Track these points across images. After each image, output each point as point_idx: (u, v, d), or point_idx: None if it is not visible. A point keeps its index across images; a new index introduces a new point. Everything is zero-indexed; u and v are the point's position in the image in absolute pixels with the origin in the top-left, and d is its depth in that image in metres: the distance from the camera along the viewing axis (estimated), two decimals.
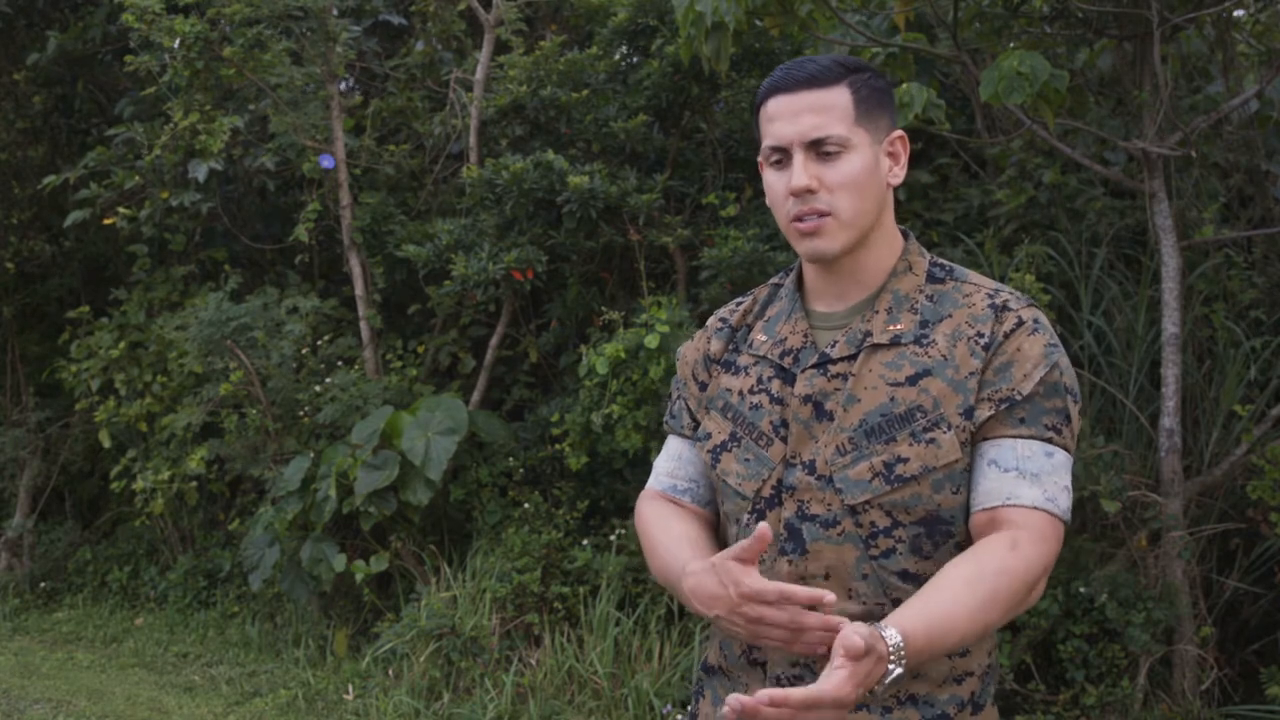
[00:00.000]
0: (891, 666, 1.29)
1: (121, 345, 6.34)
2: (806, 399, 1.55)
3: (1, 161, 7.22)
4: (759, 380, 1.61)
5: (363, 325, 5.78)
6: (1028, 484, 1.46)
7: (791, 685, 1.50)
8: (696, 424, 1.71)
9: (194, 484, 6.17)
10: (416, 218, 5.97)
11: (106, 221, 6.21)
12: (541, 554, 4.82)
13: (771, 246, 4.66)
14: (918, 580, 1.47)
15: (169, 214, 6.01)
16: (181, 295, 6.43)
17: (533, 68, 5.50)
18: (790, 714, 1.23)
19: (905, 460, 1.48)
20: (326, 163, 5.72)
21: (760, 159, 1.61)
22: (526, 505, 5.07)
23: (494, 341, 5.61)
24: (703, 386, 1.71)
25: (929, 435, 1.48)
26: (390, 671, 4.79)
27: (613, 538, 4.79)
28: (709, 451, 1.65)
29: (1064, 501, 1.47)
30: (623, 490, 5.07)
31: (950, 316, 1.54)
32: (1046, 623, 3.75)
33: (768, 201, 1.60)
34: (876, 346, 1.54)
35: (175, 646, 5.88)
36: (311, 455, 5.41)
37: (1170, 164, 4.14)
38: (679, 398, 1.76)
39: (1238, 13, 4.43)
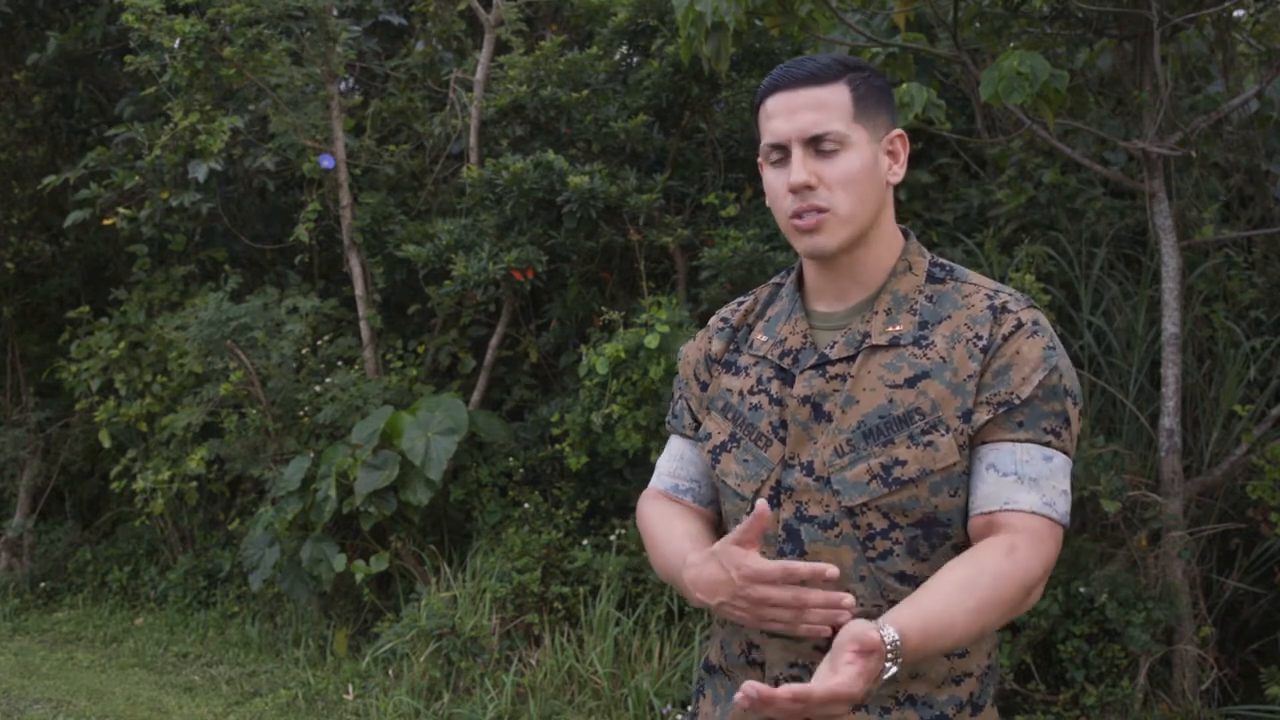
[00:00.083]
0: (888, 664, 1.29)
1: (121, 345, 6.34)
2: (805, 400, 1.55)
3: (1, 161, 7.22)
4: (759, 381, 1.61)
5: (363, 325, 5.78)
6: (1026, 489, 1.45)
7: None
8: (698, 424, 1.71)
9: (194, 484, 6.17)
10: (416, 218, 5.97)
11: (106, 221, 6.21)
12: (541, 554, 4.82)
13: (771, 246, 4.66)
14: (915, 582, 1.47)
15: (169, 214, 6.01)
16: (181, 295, 6.43)
17: (533, 68, 5.50)
18: (808, 709, 1.23)
19: (903, 463, 1.48)
20: (326, 163, 5.72)
21: (760, 158, 1.61)
22: (526, 505, 5.07)
23: (494, 341, 5.61)
24: (704, 386, 1.71)
25: (927, 438, 1.48)
26: (390, 671, 4.79)
27: (613, 538, 4.79)
28: (709, 452, 1.65)
29: (1062, 506, 1.47)
30: (623, 490, 5.07)
31: (949, 318, 1.54)
32: (1046, 623, 3.75)
33: (768, 201, 1.60)
34: (875, 348, 1.54)
35: (175, 646, 5.88)
36: (311, 455, 5.41)
37: (1170, 164, 4.14)
38: (680, 397, 1.76)
39: (1238, 13, 4.43)
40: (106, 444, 6.49)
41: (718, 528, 1.70)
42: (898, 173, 1.60)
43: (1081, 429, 3.46)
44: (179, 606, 6.33)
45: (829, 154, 1.52)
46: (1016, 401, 1.47)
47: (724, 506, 1.66)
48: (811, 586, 1.40)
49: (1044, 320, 1.53)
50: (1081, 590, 3.74)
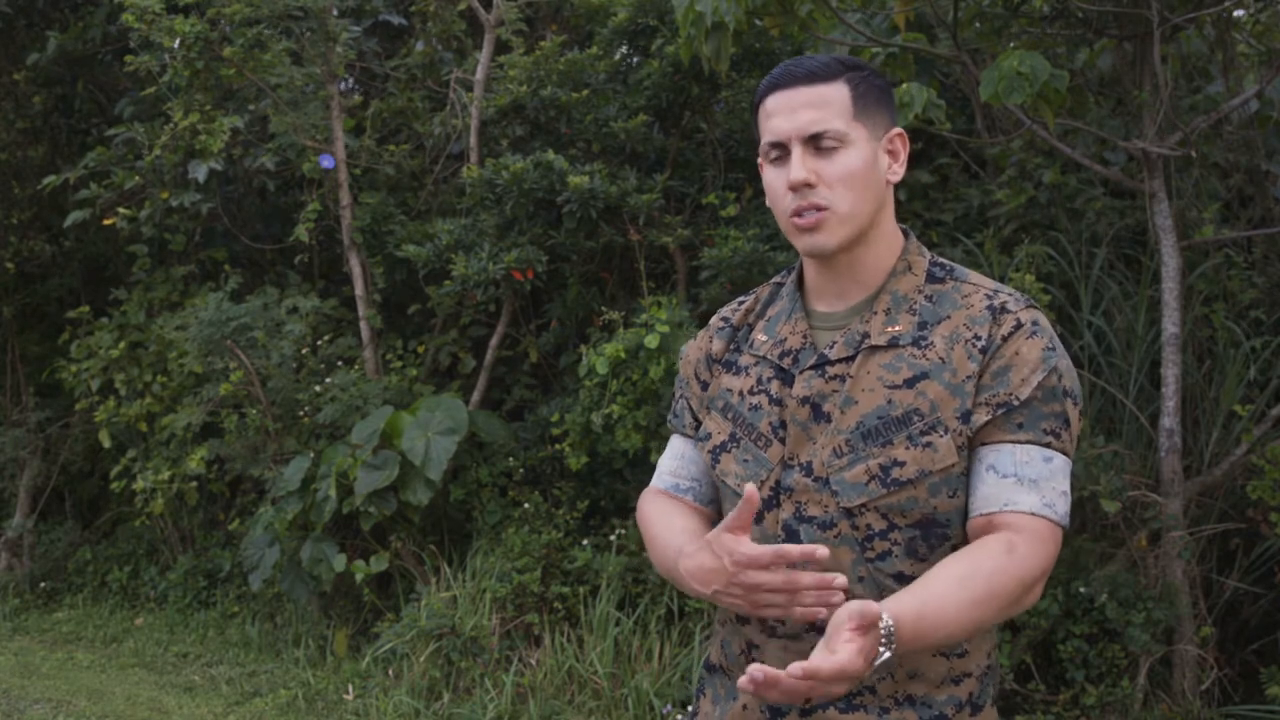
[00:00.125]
0: (882, 649, 1.29)
1: (121, 345, 6.34)
2: (804, 400, 1.55)
3: (1, 161, 7.23)
4: (759, 381, 1.61)
5: (363, 325, 5.78)
6: (1026, 490, 1.45)
7: None
8: (698, 423, 1.72)
9: (194, 484, 6.17)
10: (416, 218, 5.97)
11: (106, 222, 6.21)
12: (541, 554, 4.82)
13: (771, 246, 4.66)
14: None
15: (169, 214, 6.01)
16: (181, 295, 6.43)
17: (533, 68, 5.50)
18: (814, 687, 1.23)
19: (901, 464, 1.48)
20: (326, 163, 5.72)
21: (760, 157, 1.61)
22: (526, 505, 5.07)
23: (494, 341, 5.61)
24: (704, 386, 1.71)
25: (926, 439, 1.48)
26: (390, 671, 4.79)
27: (613, 538, 4.79)
28: (709, 451, 1.65)
29: (1062, 507, 1.47)
30: (623, 490, 5.07)
31: (949, 318, 1.53)
32: (1046, 623, 3.75)
33: (767, 200, 1.60)
34: (874, 348, 1.54)
35: (175, 646, 5.88)
36: (311, 455, 5.41)
37: (1170, 164, 4.14)
38: (681, 397, 1.77)
39: (1238, 13, 4.43)
40: (106, 444, 6.50)
41: None
42: (897, 172, 1.59)
43: (1081, 429, 3.46)
44: (179, 606, 6.33)
45: (829, 152, 1.52)
46: (1016, 403, 1.47)
47: (724, 506, 1.66)
48: (804, 569, 1.41)
49: (1044, 320, 1.53)
50: (1081, 590, 3.73)
